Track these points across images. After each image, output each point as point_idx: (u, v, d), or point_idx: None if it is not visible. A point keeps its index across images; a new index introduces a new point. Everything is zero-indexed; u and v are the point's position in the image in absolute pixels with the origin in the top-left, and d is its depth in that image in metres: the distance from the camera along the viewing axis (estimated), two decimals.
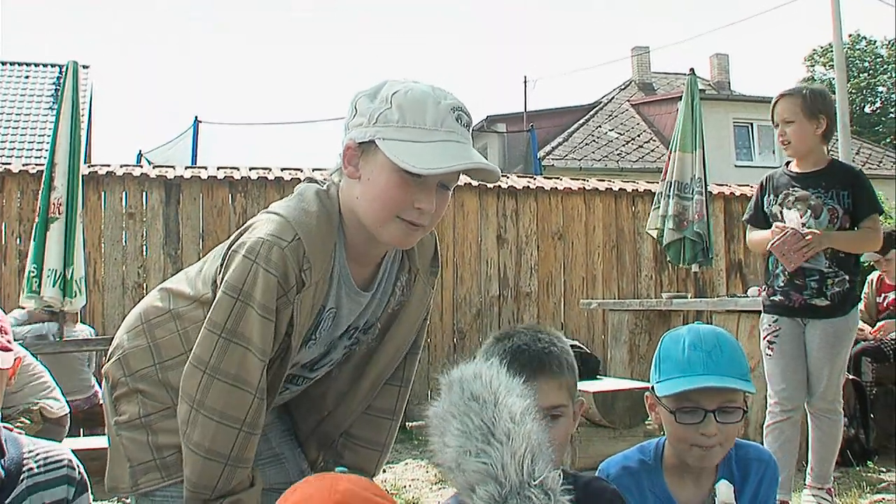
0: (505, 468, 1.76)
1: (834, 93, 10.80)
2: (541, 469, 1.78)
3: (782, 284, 4.68)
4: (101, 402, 6.79)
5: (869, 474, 6.00)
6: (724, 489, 2.49)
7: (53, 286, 7.04)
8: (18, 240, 9.21)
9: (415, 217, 2.29)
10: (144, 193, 9.62)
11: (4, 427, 2.47)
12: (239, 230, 2.39)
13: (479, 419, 1.83)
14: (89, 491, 2.53)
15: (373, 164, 2.27)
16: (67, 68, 7.48)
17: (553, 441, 2.23)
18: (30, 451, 2.44)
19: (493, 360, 2.04)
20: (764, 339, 4.74)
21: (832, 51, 12.03)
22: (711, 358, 2.47)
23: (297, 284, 2.25)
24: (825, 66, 45.30)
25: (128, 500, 2.69)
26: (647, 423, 6.63)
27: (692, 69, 9.08)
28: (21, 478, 2.37)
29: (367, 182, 2.29)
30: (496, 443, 1.79)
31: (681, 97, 9.02)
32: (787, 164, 4.84)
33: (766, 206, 4.78)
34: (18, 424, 5.75)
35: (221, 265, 2.33)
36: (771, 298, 4.75)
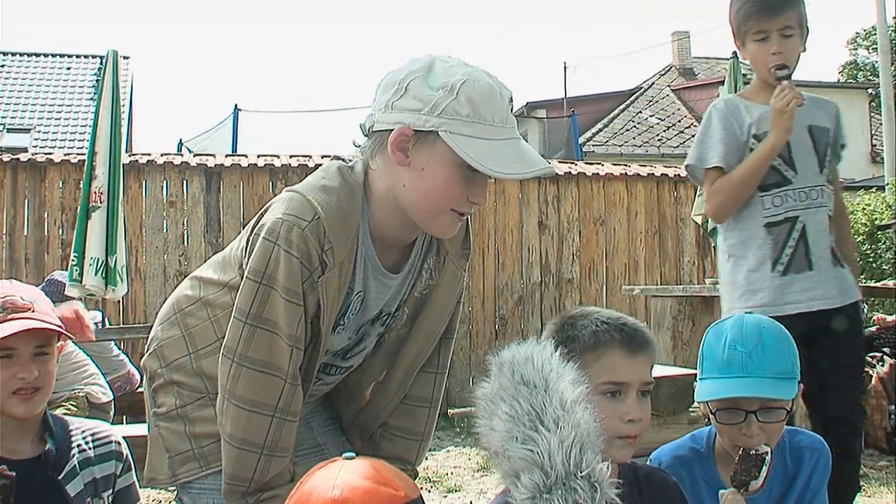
0: (552, 457, 1.70)
1: (878, 77, 10.65)
2: (589, 460, 1.72)
3: None
4: (140, 387, 6.88)
5: None
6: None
7: (95, 275, 7.07)
8: (61, 229, 9.27)
9: (467, 209, 2.27)
10: (185, 182, 9.65)
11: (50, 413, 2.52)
12: (260, 210, 2.34)
13: (528, 404, 1.77)
14: (134, 470, 2.56)
15: (430, 155, 2.19)
16: (107, 58, 7.51)
17: (643, 421, 2.15)
18: (77, 429, 2.52)
19: (546, 342, 1.95)
20: None
21: (876, 34, 11.83)
22: (752, 358, 2.41)
23: (320, 266, 2.19)
24: (868, 49, 44.74)
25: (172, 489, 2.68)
26: (690, 410, 6.56)
27: (735, 52, 8.94)
28: (72, 453, 2.44)
29: (420, 172, 2.21)
30: (544, 430, 1.73)
31: (721, 82, 8.95)
32: None
33: None
34: (65, 411, 5.81)
35: (247, 248, 2.28)
36: None
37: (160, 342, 2.47)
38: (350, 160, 2.38)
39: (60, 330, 2.44)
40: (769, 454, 2.34)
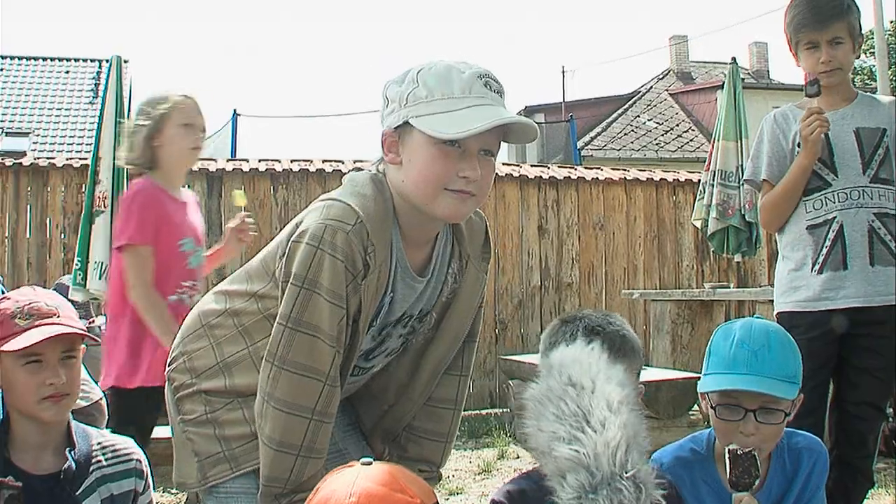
0: (597, 458, 1.74)
1: (875, 81, 10.69)
2: (634, 461, 1.76)
3: None
4: None
5: None
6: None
7: (100, 279, 7.07)
8: (63, 233, 9.29)
9: (462, 186, 2.30)
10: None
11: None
12: (294, 220, 2.39)
13: (574, 405, 1.81)
14: (152, 488, 2.59)
15: (411, 145, 2.30)
16: (111, 63, 7.49)
17: None
18: (98, 444, 2.52)
19: (594, 345, 2.01)
20: None
21: (873, 37, 11.80)
22: (757, 357, 2.45)
23: (364, 269, 2.26)
24: (866, 53, 44.64)
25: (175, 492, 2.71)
26: (690, 413, 6.60)
27: (734, 58, 9.01)
28: (91, 469, 2.45)
29: (408, 164, 2.31)
30: (590, 430, 1.77)
31: (720, 86, 9.01)
32: None
33: None
34: None
35: (283, 256, 2.32)
36: None
37: (189, 355, 2.52)
38: (370, 169, 2.47)
39: (86, 333, 2.48)
40: (756, 450, 2.38)
